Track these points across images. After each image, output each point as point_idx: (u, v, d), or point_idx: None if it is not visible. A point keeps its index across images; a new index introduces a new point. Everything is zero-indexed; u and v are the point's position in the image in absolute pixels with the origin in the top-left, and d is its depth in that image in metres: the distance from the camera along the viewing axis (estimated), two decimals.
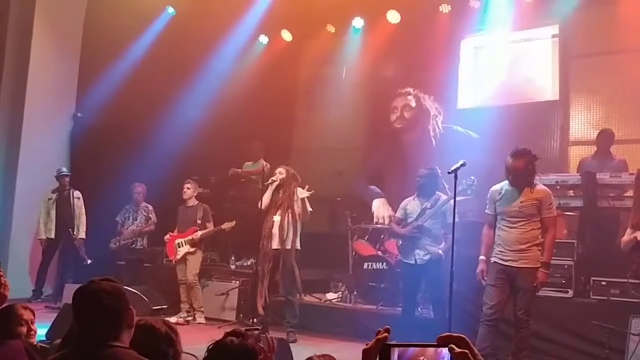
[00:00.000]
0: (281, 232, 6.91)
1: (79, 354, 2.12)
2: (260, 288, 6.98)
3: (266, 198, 7.07)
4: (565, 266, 6.11)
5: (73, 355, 2.13)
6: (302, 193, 7.03)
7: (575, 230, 6.49)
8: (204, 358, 2.25)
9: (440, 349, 1.23)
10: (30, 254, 9.17)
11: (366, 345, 1.30)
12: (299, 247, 7.00)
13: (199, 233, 7.84)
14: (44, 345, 4.49)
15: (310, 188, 7.06)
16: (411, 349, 1.25)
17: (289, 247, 6.90)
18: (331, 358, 2.30)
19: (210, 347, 2.23)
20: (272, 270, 6.98)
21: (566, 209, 6.45)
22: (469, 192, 5.97)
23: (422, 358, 1.23)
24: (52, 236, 8.76)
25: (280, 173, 7.07)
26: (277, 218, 6.95)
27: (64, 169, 8.96)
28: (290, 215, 6.93)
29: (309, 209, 7.04)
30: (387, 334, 1.28)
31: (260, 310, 6.87)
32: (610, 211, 6.33)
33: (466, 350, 1.21)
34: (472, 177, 5.89)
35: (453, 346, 1.21)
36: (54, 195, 8.85)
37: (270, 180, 7.04)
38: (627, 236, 4.97)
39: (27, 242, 9.16)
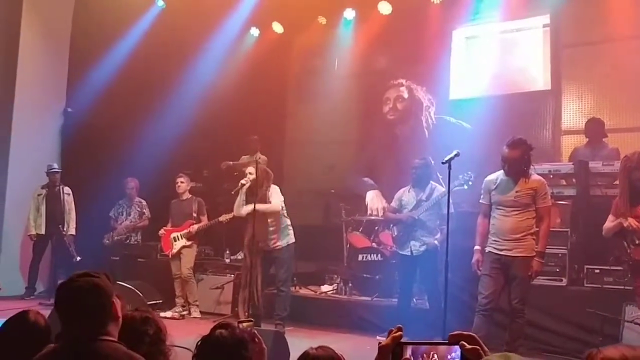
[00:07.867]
0: (265, 237, 6.59)
1: (67, 350, 2.13)
2: (241, 294, 6.67)
3: (238, 204, 6.73)
4: (559, 255, 6.15)
5: (61, 351, 2.14)
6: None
7: (569, 219, 6.52)
8: (194, 355, 2.21)
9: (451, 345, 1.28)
10: (21, 250, 9.10)
11: (379, 343, 1.36)
12: (293, 241, 6.74)
13: (196, 226, 7.80)
14: None
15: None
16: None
17: (279, 246, 6.64)
18: (328, 348, 2.28)
19: (200, 343, 2.19)
20: (262, 274, 6.63)
21: (559, 198, 6.48)
22: (465, 187, 5.96)
23: (434, 353, 1.27)
24: (42, 232, 8.66)
25: (250, 173, 6.57)
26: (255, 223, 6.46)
27: (55, 165, 8.86)
28: (264, 217, 6.52)
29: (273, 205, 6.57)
30: (401, 332, 1.34)
31: (242, 315, 6.43)
32: (602, 199, 6.33)
33: (477, 347, 1.26)
34: (470, 173, 5.87)
35: (464, 343, 1.26)
36: (44, 191, 8.75)
37: (239, 185, 6.65)
38: (610, 222, 4.98)
39: (18, 239, 9.08)
